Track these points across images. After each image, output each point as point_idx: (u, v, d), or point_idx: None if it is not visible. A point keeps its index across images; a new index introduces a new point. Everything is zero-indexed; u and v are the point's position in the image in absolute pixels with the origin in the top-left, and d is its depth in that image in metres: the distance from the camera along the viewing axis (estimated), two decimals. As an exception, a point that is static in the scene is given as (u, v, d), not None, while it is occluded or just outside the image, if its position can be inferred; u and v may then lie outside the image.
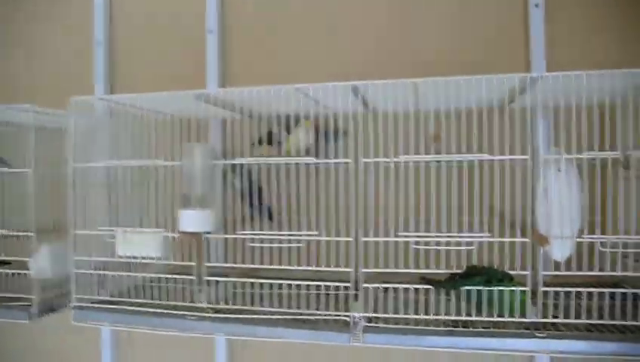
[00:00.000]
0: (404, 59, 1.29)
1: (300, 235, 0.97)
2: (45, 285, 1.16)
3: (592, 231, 0.89)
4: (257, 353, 1.38)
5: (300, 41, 1.38)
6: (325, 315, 0.97)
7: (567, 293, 0.91)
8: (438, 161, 0.94)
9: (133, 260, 1.06)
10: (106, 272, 1.09)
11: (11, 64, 1.60)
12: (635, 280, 0.90)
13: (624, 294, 0.89)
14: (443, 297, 0.95)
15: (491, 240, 0.92)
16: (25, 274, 1.16)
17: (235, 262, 1.00)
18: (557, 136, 0.89)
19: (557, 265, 0.91)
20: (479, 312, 0.93)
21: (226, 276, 1.06)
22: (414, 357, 1.16)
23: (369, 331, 0.94)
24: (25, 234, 1.13)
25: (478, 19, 1.26)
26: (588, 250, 0.89)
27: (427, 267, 0.94)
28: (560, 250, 0.90)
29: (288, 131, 1.16)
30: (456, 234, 0.93)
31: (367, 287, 0.95)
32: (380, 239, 0.95)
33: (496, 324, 0.92)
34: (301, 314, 0.99)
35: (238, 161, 0.99)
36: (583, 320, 0.89)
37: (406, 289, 0.97)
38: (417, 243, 0.94)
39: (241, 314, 1.00)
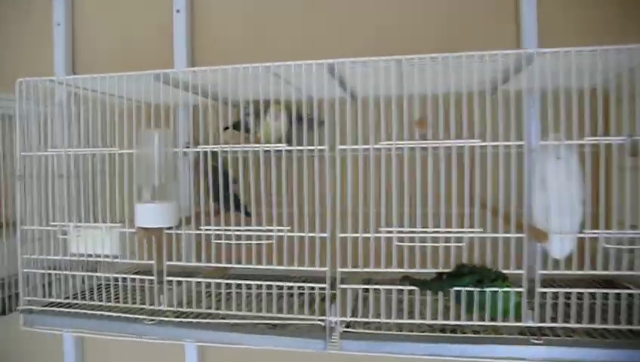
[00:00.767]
0: (390, 41, 1.19)
1: (271, 231, 0.87)
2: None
3: (595, 226, 0.80)
4: (230, 358, 1.28)
5: (275, 20, 1.27)
6: (299, 319, 0.88)
7: (567, 294, 0.83)
8: (423, 148, 0.84)
9: (87, 258, 0.95)
10: (58, 272, 0.99)
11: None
12: (641, 279, 0.81)
13: (630, 295, 0.80)
14: (429, 299, 0.86)
15: (483, 235, 0.82)
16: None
17: (201, 261, 0.90)
18: (556, 120, 0.80)
19: (556, 263, 0.81)
20: (470, 316, 0.83)
21: (191, 276, 0.95)
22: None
23: (347, 337, 0.84)
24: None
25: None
26: (590, 246, 0.80)
27: (412, 266, 0.84)
28: (559, 246, 0.81)
29: (258, 116, 1.06)
30: (444, 230, 0.83)
31: (345, 288, 0.86)
32: (359, 235, 0.85)
33: (488, 329, 0.83)
34: (272, 319, 0.89)
35: (200, 148, 0.88)
36: (585, 325, 0.80)
37: (388, 291, 0.87)
38: (401, 239, 0.84)
39: (206, 318, 0.91)
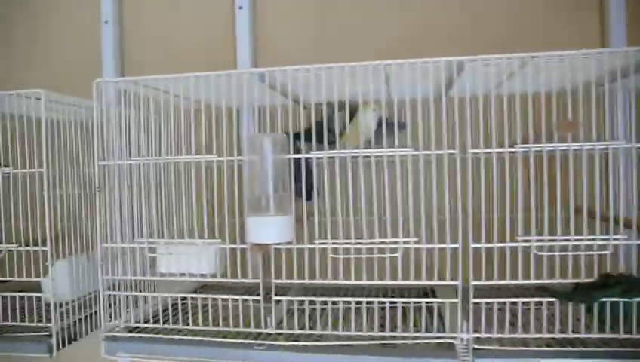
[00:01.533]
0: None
1: (397, 243, 0.79)
2: (63, 309, 0.95)
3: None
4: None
5: (339, 17, 1.21)
6: (425, 338, 0.81)
7: None
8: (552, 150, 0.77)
9: (181, 278, 0.86)
10: (151, 294, 0.90)
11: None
12: None
13: None
14: (557, 312, 0.79)
15: (629, 242, 0.76)
16: (37, 296, 0.95)
17: (315, 278, 0.82)
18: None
19: None
20: (614, 328, 0.77)
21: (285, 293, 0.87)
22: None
23: (481, 355, 0.77)
24: (37, 248, 0.92)
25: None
26: None
27: (551, 276, 0.78)
28: None
29: (344, 118, 0.99)
30: (587, 237, 0.77)
31: (480, 303, 0.79)
32: (494, 245, 0.78)
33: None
34: (395, 338, 0.81)
35: (320, 154, 0.80)
36: None
37: (513, 303, 0.81)
38: (540, 248, 0.77)
39: (318, 340, 0.83)
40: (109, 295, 0.90)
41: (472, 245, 0.78)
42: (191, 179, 0.84)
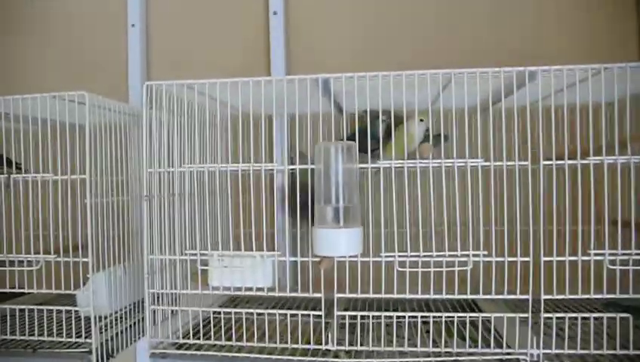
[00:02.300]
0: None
1: (467, 256, 0.77)
2: (102, 323, 0.90)
3: None
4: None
5: (376, 22, 1.19)
6: (490, 354, 0.78)
7: None
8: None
9: (236, 292, 0.82)
10: (201, 309, 0.85)
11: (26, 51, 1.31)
12: None
13: None
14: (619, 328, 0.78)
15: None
16: (74, 310, 0.89)
17: (380, 292, 0.78)
18: None
19: None
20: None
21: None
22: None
23: (552, 372, 0.76)
24: (78, 259, 0.87)
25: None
26: None
27: (625, 290, 0.76)
28: None
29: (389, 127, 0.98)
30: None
31: (551, 318, 0.77)
32: (566, 258, 0.76)
33: None
34: (459, 354, 0.79)
35: (387, 164, 0.78)
36: None
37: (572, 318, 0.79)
38: (613, 262, 0.76)
39: (370, 356, 0.80)
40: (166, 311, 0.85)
41: (544, 258, 0.76)
42: (247, 187, 0.81)
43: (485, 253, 0.77)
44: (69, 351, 0.86)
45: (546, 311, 0.76)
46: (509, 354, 0.78)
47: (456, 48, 1.16)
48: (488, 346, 0.80)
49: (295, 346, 0.81)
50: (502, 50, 1.12)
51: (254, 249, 0.81)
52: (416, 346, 0.82)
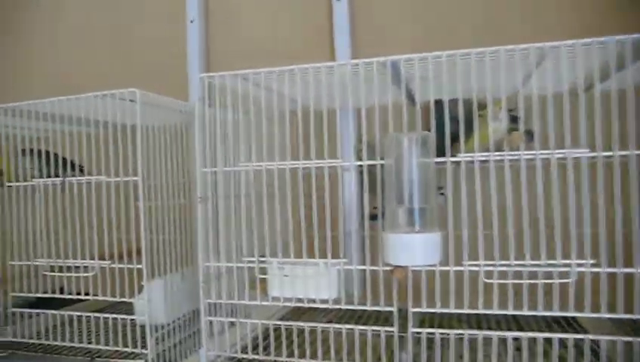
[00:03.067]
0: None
1: (569, 265, 0.64)
2: (158, 334, 0.85)
3: None
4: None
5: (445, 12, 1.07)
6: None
7: None
8: None
9: (297, 304, 0.74)
10: (261, 321, 0.78)
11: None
12: None
13: None
14: None
15: None
16: (129, 319, 0.85)
17: (463, 306, 0.67)
18: None
19: None
20: None
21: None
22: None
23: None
24: (132, 266, 0.82)
25: None
26: None
27: None
28: None
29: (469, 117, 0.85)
30: None
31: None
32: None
33: None
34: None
35: (480, 156, 0.67)
36: None
37: None
38: None
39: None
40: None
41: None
42: (311, 187, 0.72)
43: (593, 261, 0.64)
44: (125, 361, 0.81)
45: None
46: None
47: (543, 24, 1.02)
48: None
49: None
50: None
51: (317, 256, 0.73)
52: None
